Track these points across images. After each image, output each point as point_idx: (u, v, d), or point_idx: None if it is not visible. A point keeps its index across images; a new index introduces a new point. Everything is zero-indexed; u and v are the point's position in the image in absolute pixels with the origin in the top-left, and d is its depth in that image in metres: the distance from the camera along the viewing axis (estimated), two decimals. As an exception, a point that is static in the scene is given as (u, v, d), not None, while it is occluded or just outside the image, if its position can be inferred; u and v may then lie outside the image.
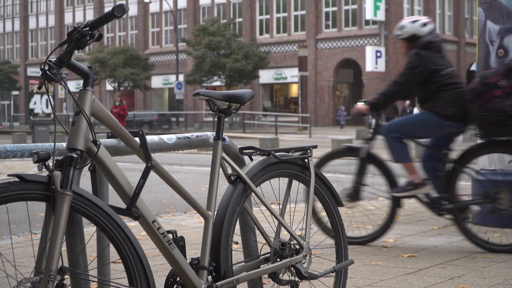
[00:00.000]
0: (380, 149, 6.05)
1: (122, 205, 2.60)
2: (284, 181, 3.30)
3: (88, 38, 2.44)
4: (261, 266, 3.12)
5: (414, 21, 5.82)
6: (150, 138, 3.11)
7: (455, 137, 5.86)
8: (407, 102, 43.07)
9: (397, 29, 5.94)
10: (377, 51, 47.07)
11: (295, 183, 3.33)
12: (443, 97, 5.65)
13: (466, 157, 5.68)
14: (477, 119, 5.51)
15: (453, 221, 5.73)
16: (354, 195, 5.94)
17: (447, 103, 5.63)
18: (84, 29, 2.43)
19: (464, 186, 5.77)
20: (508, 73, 5.43)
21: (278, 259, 3.14)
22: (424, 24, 5.80)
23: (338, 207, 3.44)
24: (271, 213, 3.13)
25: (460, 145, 23.97)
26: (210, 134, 3.38)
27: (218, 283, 2.83)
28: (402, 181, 5.88)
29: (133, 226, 6.00)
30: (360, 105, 5.95)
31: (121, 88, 54.07)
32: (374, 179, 5.19)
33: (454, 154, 5.80)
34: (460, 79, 5.79)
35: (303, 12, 51.51)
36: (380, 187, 5.64)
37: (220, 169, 2.98)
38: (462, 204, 5.72)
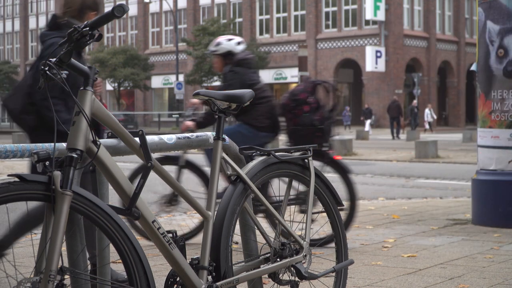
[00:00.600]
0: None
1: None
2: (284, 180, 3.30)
3: (88, 38, 2.44)
4: (261, 266, 3.12)
5: (230, 39, 6.24)
6: (150, 138, 3.10)
7: (267, 144, 6.24)
8: (414, 102, 43.14)
9: (212, 45, 6.27)
10: (377, 51, 47.07)
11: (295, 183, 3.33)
12: (257, 110, 6.03)
13: None
14: (288, 132, 5.97)
15: (266, 220, 5.95)
16: (173, 200, 6.09)
17: (261, 115, 6.04)
18: (84, 29, 2.43)
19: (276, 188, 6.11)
20: (314, 90, 6.00)
21: (278, 259, 3.14)
22: (239, 43, 6.23)
23: (338, 207, 3.44)
24: (271, 213, 3.13)
25: (460, 145, 23.75)
26: (210, 134, 3.38)
27: (218, 283, 2.83)
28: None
29: (133, 226, 6.00)
30: (188, 122, 6.17)
31: (121, 88, 54.08)
32: (193, 185, 5.57)
33: None
34: (270, 93, 6.27)
35: (303, 12, 51.51)
36: (200, 193, 5.96)
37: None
38: (275, 205, 6.02)
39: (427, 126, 43.07)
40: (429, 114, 42.69)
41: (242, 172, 3.01)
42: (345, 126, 45.17)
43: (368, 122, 40.70)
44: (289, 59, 51.75)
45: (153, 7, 58.32)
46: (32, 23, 67.71)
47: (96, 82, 4.91)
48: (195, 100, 6.38)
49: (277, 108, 6.09)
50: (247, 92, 3.08)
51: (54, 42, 4.45)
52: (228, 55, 6.14)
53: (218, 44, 6.17)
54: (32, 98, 4.49)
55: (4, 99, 4.66)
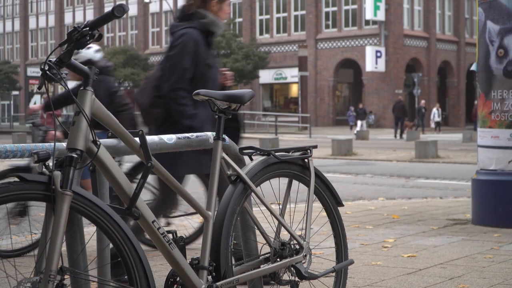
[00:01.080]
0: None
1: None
2: (284, 181, 3.30)
3: (88, 38, 2.43)
4: (261, 266, 3.12)
5: (88, 48, 6.22)
6: (150, 138, 3.11)
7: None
8: (423, 101, 43.12)
9: None
10: (377, 51, 47.07)
11: (295, 183, 3.33)
12: (121, 118, 6.09)
13: (135, 170, 5.99)
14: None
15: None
16: (24, 211, 5.88)
17: (125, 123, 6.12)
18: (84, 29, 2.43)
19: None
20: None
21: (278, 259, 3.14)
22: (97, 51, 6.26)
23: (338, 207, 3.44)
24: (271, 213, 3.13)
25: (460, 145, 23.68)
26: (210, 134, 3.38)
27: (218, 283, 2.83)
28: None
29: (133, 226, 6.00)
30: (56, 132, 6.07)
31: (121, 88, 54.07)
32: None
33: (126, 167, 5.99)
34: (129, 101, 6.32)
35: (303, 12, 51.50)
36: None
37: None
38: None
39: (432, 125, 43.17)
40: (436, 114, 42.77)
41: (242, 172, 3.01)
42: (351, 126, 45.14)
43: (360, 122, 40.57)
44: (289, 59, 51.75)
45: (153, 7, 58.32)
46: (32, 23, 67.69)
47: (226, 74, 4.84)
48: (35, 107, 6.34)
49: (136, 116, 6.11)
50: (247, 92, 3.08)
51: (185, 32, 4.44)
52: (87, 63, 6.00)
53: (77, 52, 6.07)
54: (160, 90, 4.49)
55: (135, 94, 4.71)
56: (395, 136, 35.26)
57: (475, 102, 39.82)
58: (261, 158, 3.14)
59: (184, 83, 4.41)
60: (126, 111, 6.17)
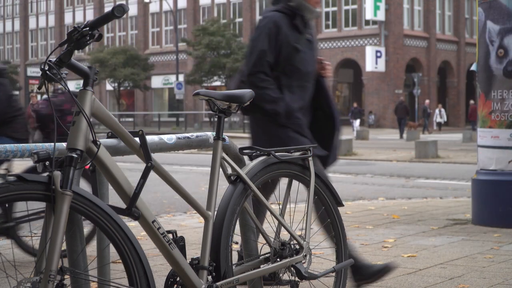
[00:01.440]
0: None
1: (122, 205, 2.60)
2: (284, 181, 3.30)
3: (88, 38, 2.43)
4: (261, 266, 3.12)
5: None
6: (150, 138, 3.10)
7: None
8: (427, 101, 43.09)
9: None
10: (377, 51, 47.06)
11: (295, 183, 3.32)
12: (18, 123, 5.91)
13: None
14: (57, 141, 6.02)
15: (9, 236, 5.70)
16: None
17: (22, 127, 5.92)
18: (84, 29, 2.43)
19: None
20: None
21: (278, 259, 3.14)
22: None
23: (338, 207, 3.44)
24: (271, 213, 3.13)
25: (460, 145, 23.64)
26: (210, 134, 3.38)
27: (218, 283, 2.83)
28: None
29: (133, 226, 6.00)
30: None
31: (121, 88, 54.10)
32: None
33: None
34: (21, 105, 6.22)
35: (303, 12, 51.46)
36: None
37: (220, 169, 2.98)
38: (18, 221, 5.73)
39: (434, 127, 43.26)
40: (438, 115, 42.90)
41: (242, 172, 3.01)
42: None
43: (356, 122, 40.44)
44: (289, 59, 51.66)
45: (153, 7, 58.30)
46: (32, 23, 67.67)
47: (324, 64, 4.59)
48: None
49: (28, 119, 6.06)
50: (247, 92, 3.07)
51: (267, 15, 4.32)
52: None
53: None
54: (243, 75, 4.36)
55: (230, 82, 4.65)
56: (401, 137, 35.30)
57: (471, 102, 39.93)
58: (261, 158, 3.14)
59: (264, 66, 4.21)
60: (21, 115, 5.99)
